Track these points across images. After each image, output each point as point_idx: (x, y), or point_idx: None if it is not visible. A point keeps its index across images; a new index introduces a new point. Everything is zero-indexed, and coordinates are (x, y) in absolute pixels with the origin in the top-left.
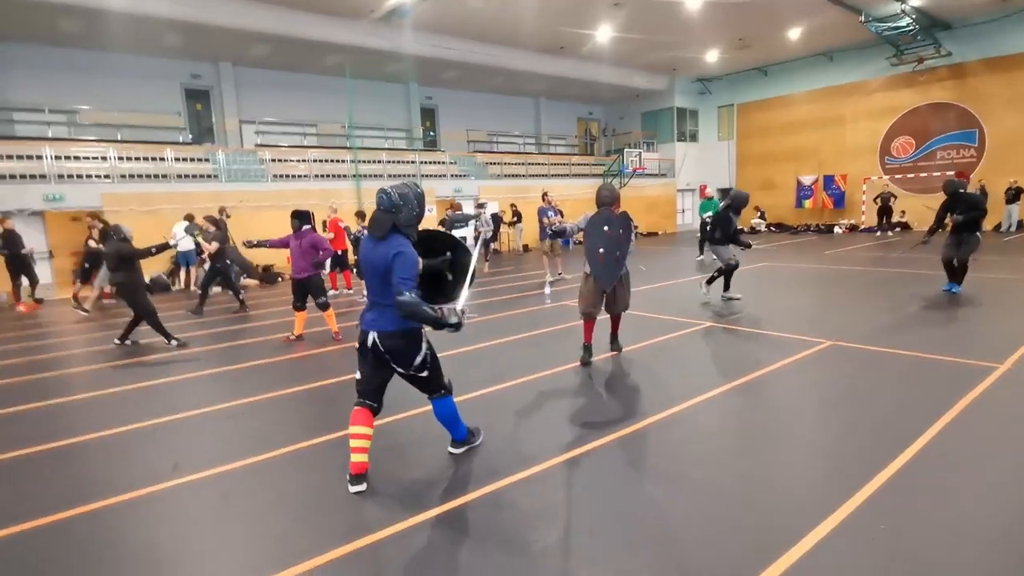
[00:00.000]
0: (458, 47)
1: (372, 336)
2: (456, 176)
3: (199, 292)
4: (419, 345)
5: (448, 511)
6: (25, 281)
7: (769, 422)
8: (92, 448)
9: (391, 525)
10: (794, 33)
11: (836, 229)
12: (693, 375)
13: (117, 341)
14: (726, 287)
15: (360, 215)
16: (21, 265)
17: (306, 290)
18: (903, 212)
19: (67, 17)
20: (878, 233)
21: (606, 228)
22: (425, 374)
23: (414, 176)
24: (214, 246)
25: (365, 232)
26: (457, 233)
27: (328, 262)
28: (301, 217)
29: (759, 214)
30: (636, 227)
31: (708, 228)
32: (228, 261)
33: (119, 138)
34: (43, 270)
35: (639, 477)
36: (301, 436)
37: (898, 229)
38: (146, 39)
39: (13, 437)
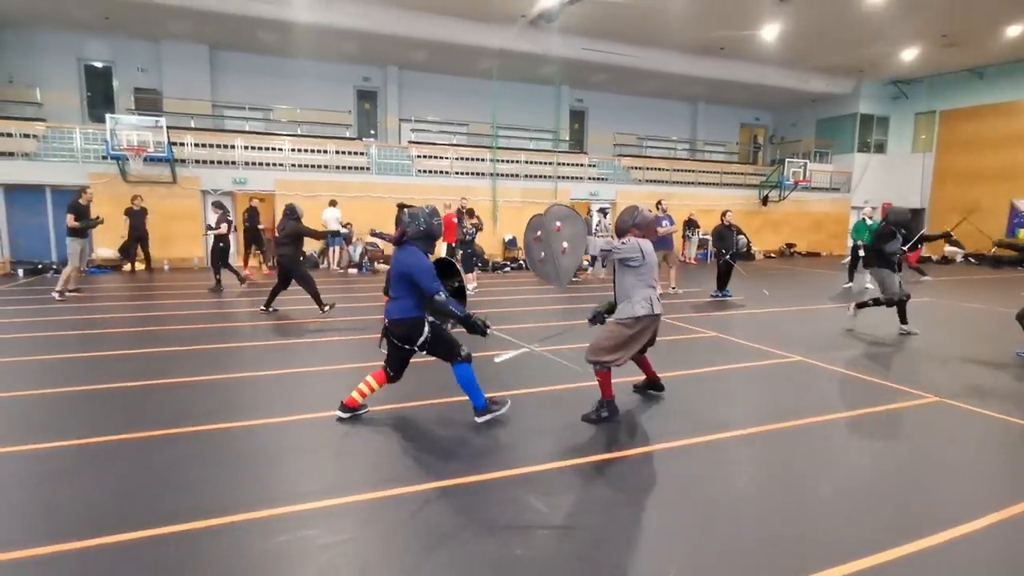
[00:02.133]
0: (607, 49)
1: (386, 321)
2: (594, 179)
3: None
4: (421, 329)
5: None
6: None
7: (752, 482)
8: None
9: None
10: (1015, 30)
11: None
12: (727, 408)
13: (263, 308)
14: (902, 320)
15: (470, 212)
16: (255, 238)
17: None
18: None
19: (266, 29)
20: None
21: (538, 233)
22: (430, 350)
23: (550, 177)
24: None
25: (472, 229)
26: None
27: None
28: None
29: (952, 242)
30: (627, 242)
31: (862, 250)
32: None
33: (299, 132)
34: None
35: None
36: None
37: None
38: (327, 47)
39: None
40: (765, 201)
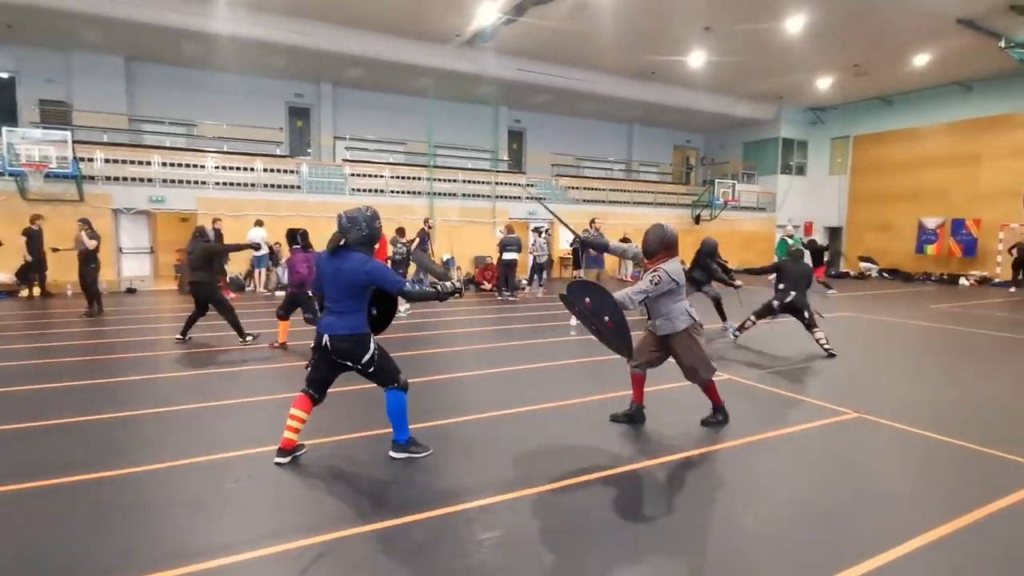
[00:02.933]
0: (543, 71)
1: (326, 338)
2: (532, 199)
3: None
4: (368, 347)
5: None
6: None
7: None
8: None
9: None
10: (920, 60)
11: (963, 281)
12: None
13: (180, 336)
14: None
15: (400, 231)
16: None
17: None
18: None
19: (190, 41)
20: (1012, 289)
21: (575, 308)
22: (372, 370)
23: (488, 197)
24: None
25: (402, 248)
26: (508, 256)
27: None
28: (289, 238)
29: (867, 259)
30: (656, 279)
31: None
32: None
33: (225, 149)
34: (145, 263)
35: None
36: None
37: None
38: (256, 61)
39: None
40: (698, 220)
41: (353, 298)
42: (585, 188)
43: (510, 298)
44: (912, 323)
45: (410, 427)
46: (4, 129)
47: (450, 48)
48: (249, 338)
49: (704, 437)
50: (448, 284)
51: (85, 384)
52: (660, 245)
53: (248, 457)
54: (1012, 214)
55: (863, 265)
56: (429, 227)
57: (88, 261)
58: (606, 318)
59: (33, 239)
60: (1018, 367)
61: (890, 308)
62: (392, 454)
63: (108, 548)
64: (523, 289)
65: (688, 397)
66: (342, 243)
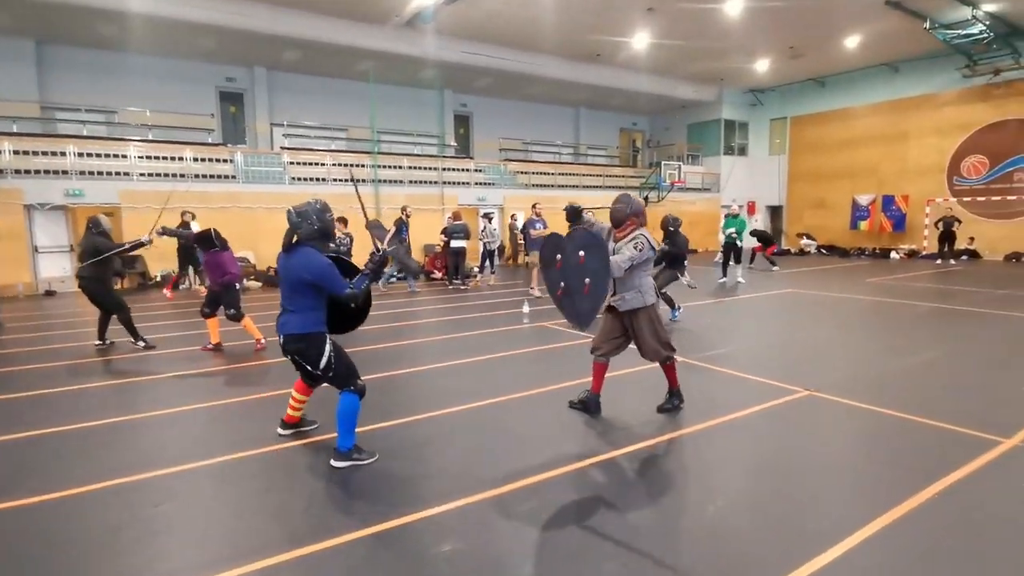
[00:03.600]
0: (487, 53)
1: (281, 337)
2: (481, 184)
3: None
4: (321, 348)
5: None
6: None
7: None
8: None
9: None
10: (851, 41)
11: (893, 255)
12: (597, 422)
13: (99, 342)
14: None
15: (342, 220)
16: (188, 257)
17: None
18: (971, 239)
19: (104, 21)
20: (939, 261)
21: (558, 256)
22: (331, 375)
23: (436, 183)
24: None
25: (345, 239)
26: (455, 244)
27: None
28: (203, 242)
29: (806, 236)
30: (640, 245)
31: (739, 240)
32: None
33: (150, 137)
34: (63, 262)
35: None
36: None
37: (964, 258)
38: (182, 43)
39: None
40: (645, 201)
41: (303, 296)
42: (534, 172)
43: (460, 287)
44: (851, 297)
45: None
46: None
47: (389, 29)
48: (141, 344)
49: (663, 424)
50: (412, 264)
51: (10, 398)
52: (629, 213)
53: (170, 476)
54: (937, 189)
55: (803, 242)
56: (407, 216)
57: None
58: (587, 280)
59: None
60: (951, 336)
61: (829, 283)
62: (333, 463)
63: None
64: (475, 277)
65: (646, 381)
66: (294, 239)
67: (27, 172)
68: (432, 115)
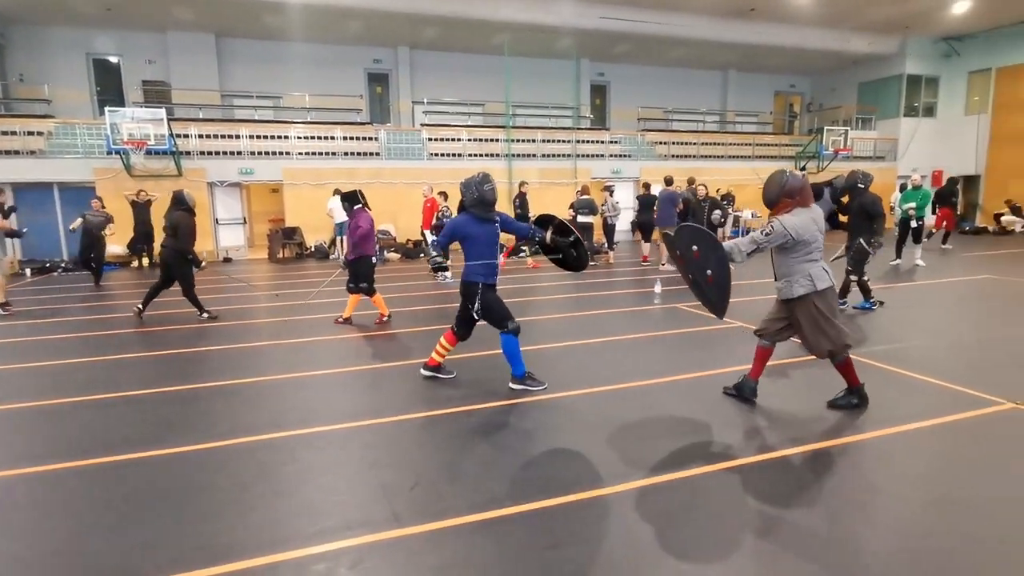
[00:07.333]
0: (627, 17)
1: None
2: (616, 156)
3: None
4: (473, 295)
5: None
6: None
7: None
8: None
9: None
10: None
11: None
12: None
13: (140, 307)
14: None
15: (443, 195)
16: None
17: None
18: None
19: (269, 12)
20: None
21: (678, 253)
22: (478, 316)
23: (569, 156)
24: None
25: (448, 211)
26: (582, 219)
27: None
28: (350, 199)
29: (1011, 208)
30: (770, 228)
31: (914, 220)
32: None
33: (308, 120)
34: (239, 234)
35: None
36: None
37: None
38: (333, 27)
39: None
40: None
41: (462, 251)
42: (674, 143)
43: (590, 264)
44: None
45: (515, 400)
46: (107, 110)
47: None
48: (205, 315)
49: (837, 423)
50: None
51: (173, 354)
52: (780, 193)
53: (297, 438)
54: None
55: (1007, 219)
56: (524, 191)
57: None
58: (708, 271)
59: (140, 212)
60: None
61: None
62: (511, 385)
63: (131, 541)
64: (605, 253)
65: (810, 375)
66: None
67: (209, 154)
68: (567, 86)
